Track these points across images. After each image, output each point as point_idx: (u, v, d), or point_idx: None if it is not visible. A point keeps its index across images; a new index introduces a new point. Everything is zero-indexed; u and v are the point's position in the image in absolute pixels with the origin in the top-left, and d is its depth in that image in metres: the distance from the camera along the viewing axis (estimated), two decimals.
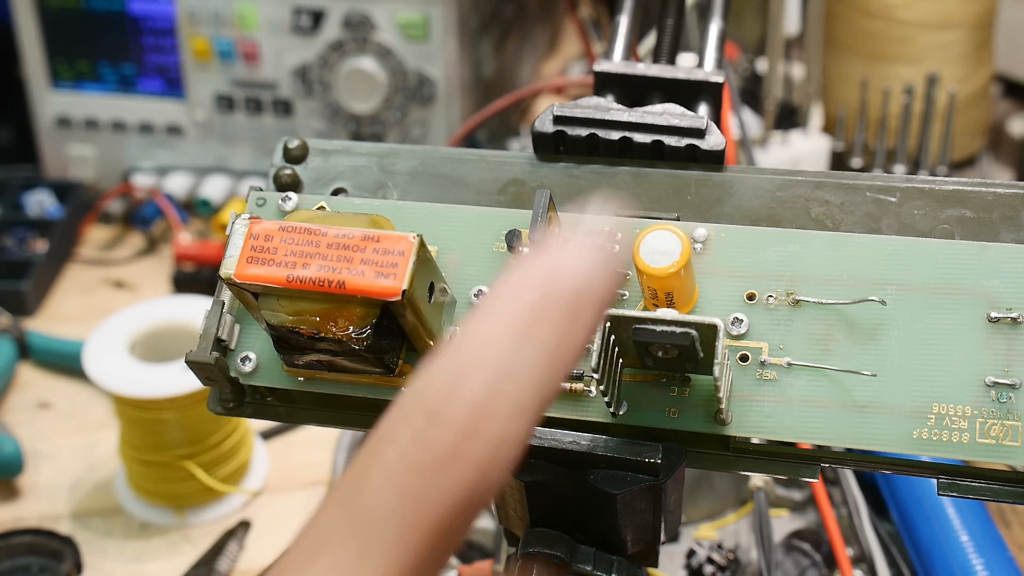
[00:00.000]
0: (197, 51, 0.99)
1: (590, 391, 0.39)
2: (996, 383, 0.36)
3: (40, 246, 0.98)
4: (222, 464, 0.74)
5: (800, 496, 0.68)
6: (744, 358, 0.38)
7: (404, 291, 0.36)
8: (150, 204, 1.02)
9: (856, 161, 0.93)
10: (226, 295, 0.41)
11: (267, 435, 0.81)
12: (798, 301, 0.38)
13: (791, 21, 1.00)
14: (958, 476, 0.38)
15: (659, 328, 0.35)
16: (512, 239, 0.40)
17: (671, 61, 0.52)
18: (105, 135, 1.05)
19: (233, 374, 0.41)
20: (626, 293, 0.40)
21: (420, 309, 0.37)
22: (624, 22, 0.51)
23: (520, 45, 1.16)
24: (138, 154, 1.05)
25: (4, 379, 0.85)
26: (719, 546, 0.65)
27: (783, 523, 0.67)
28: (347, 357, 0.38)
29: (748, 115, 0.96)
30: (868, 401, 0.37)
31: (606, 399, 0.37)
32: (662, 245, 0.37)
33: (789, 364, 0.38)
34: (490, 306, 0.30)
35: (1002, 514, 0.70)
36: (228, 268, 0.37)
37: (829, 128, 1.01)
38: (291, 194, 0.43)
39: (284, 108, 1.00)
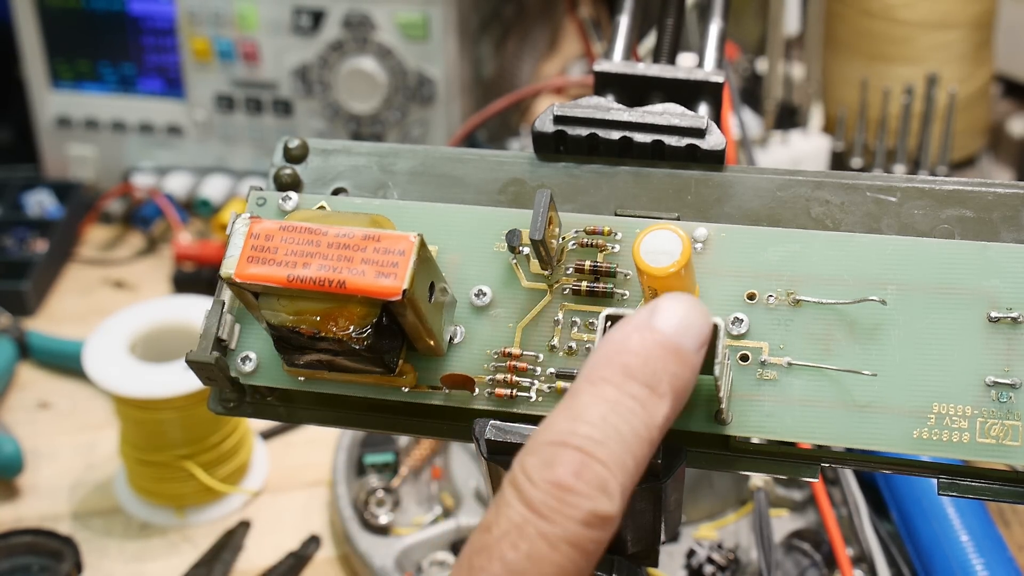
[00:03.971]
0: (197, 51, 0.99)
1: None
2: (996, 383, 0.36)
3: (40, 246, 0.98)
4: (222, 464, 0.74)
5: (800, 496, 0.68)
6: (744, 358, 0.38)
7: (404, 291, 0.36)
8: (150, 204, 1.02)
9: (856, 161, 0.93)
10: (226, 295, 0.41)
11: (267, 435, 0.81)
12: (798, 301, 0.38)
13: (791, 21, 0.99)
14: (958, 476, 0.38)
15: None
16: (512, 239, 0.40)
17: (671, 61, 0.52)
18: (105, 135, 1.05)
19: (233, 374, 0.41)
20: (626, 293, 0.40)
21: (420, 309, 0.37)
22: (624, 22, 0.51)
23: (520, 45, 1.16)
24: (138, 154, 1.05)
25: (4, 379, 0.85)
26: (719, 546, 0.65)
27: (783, 523, 0.67)
28: (347, 357, 0.38)
29: (748, 115, 0.95)
30: (868, 401, 0.37)
31: None
32: (662, 245, 0.37)
33: (789, 364, 0.38)
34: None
35: (1002, 514, 0.70)
36: (228, 268, 0.37)
37: (829, 128, 1.01)
38: (291, 194, 0.43)
39: (284, 108, 1.00)
